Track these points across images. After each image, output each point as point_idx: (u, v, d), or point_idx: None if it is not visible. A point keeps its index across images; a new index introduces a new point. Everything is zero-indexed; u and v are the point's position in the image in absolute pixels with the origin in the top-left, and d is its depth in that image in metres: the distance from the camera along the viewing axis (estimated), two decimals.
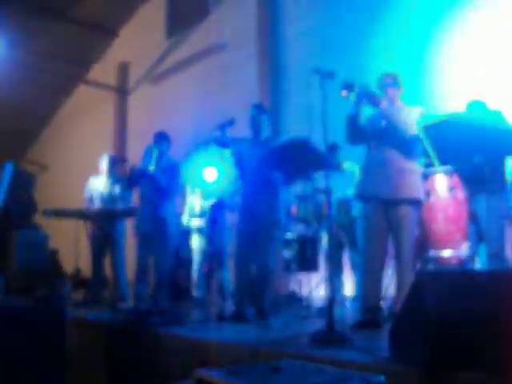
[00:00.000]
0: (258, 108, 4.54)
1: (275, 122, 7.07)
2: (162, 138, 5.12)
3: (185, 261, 5.89)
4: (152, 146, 4.99)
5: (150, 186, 4.96)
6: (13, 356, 3.09)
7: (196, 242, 5.85)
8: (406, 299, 2.38)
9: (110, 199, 5.83)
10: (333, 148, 5.21)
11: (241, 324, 3.96)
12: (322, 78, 3.30)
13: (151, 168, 4.84)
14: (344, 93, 3.47)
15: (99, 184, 5.92)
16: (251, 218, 4.27)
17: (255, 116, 4.43)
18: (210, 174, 5.68)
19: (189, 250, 5.88)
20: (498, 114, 3.88)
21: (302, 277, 5.32)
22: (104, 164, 5.97)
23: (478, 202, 3.81)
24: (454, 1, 6.06)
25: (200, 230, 5.79)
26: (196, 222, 5.84)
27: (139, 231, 5.06)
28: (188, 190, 5.95)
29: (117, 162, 6.40)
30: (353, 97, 3.48)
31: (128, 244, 5.82)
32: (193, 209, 5.88)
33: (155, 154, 4.89)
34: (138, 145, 5.94)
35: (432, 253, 3.98)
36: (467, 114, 3.70)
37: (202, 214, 5.78)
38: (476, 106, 4.06)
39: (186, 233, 5.89)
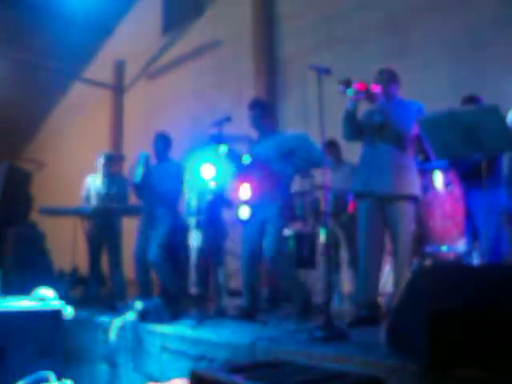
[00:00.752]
0: (259, 104, 4.53)
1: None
2: (162, 139, 5.10)
3: (182, 258, 5.87)
4: (144, 153, 4.93)
5: (149, 189, 4.97)
6: (12, 355, 3.09)
7: (193, 240, 5.83)
8: (404, 295, 2.38)
9: (106, 197, 5.81)
10: (330, 144, 5.22)
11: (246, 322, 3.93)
12: (319, 75, 3.29)
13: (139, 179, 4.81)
14: (341, 89, 3.46)
15: (96, 182, 5.90)
16: (256, 213, 4.27)
17: (257, 112, 4.41)
18: (207, 171, 5.65)
19: (186, 247, 5.87)
20: (493, 108, 3.85)
21: (300, 273, 5.31)
22: (101, 162, 5.95)
23: (474, 198, 3.80)
24: None
25: (197, 227, 5.77)
26: (193, 220, 5.82)
27: (139, 229, 5.08)
28: (185, 187, 5.94)
29: (114, 160, 6.37)
30: (349, 93, 3.48)
31: (125, 242, 5.82)
32: (190, 206, 5.86)
33: (144, 161, 4.83)
34: (135, 142, 5.92)
35: (429, 248, 3.98)
36: (463, 109, 3.68)
37: (199, 211, 5.76)
38: (471, 101, 4.05)
39: (184, 230, 5.88)
